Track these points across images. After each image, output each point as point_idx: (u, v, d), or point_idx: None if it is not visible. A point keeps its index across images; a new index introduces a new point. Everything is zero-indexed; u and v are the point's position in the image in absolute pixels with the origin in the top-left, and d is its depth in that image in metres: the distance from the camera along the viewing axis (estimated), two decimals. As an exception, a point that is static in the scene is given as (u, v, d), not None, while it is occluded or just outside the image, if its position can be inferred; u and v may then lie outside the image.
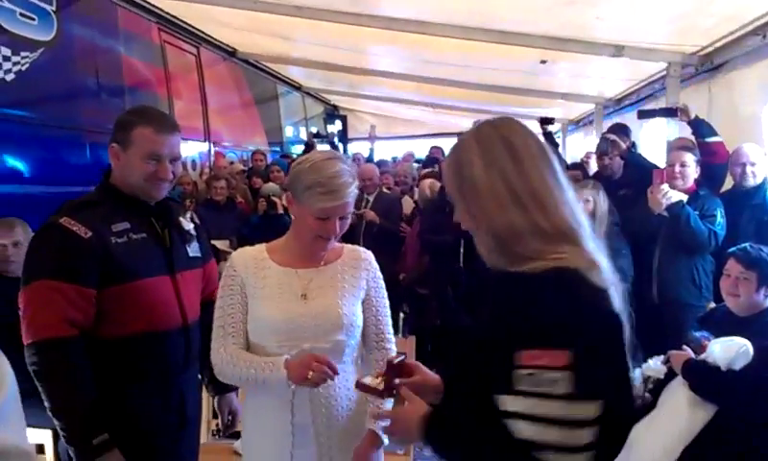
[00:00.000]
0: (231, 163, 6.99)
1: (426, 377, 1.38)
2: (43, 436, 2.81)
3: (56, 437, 2.72)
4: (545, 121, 5.79)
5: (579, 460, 1.00)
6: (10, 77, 3.87)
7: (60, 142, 4.42)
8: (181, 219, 1.94)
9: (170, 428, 1.85)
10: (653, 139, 5.52)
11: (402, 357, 1.42)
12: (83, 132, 4.60)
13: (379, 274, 1.82)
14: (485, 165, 1.11)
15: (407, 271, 4.82)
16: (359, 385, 1.47)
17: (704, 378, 2.31)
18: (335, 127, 11.94)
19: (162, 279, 1.80)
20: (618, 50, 4.72)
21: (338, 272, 1.74)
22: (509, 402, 1.01)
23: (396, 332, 1.91)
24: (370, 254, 1.83)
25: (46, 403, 1.67)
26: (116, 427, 1.70)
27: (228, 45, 7.88)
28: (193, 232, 1.97)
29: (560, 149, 7.13)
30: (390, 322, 1.83)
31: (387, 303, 1.83)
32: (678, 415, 2.34)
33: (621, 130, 4.78)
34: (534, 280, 1.04)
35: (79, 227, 1.68)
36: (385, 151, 11.41)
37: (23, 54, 3.98)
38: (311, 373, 1.52)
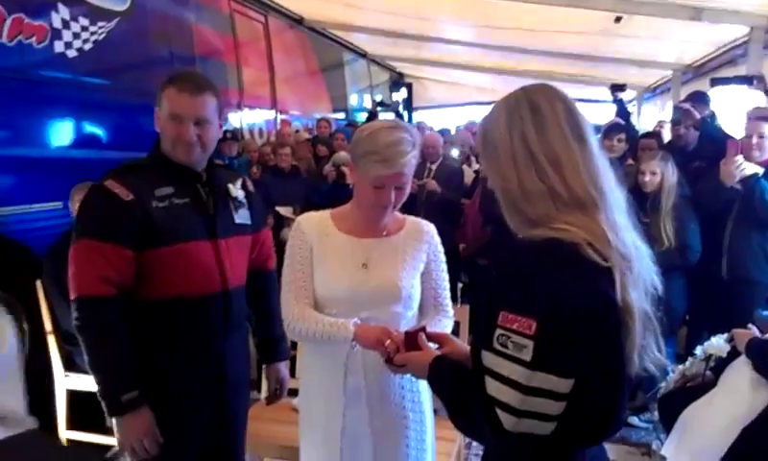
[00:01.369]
0: (297, 132, 7.09)
1: (454, 347, 1.44)
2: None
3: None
4: (616, 88, 5.57)
5: (543, 428, 1.04)
6: (88, 46, 4.05)
7: (135, 109, 4.58)
8: (230, 185, 1.93)
9: (206, 393, 1.86)
10: (733, 109, 5.22)
11: (420, 328, 1.46)
12: (155, 99, 4.76)
13: (440, 247, 1.82)
14: (507, 127, 1.12)
15: (467, 241, 4.80)
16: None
17: (768, 358, 2.23)
18: (400, 95, 11.87)
19: (202, 244, 1.80)
20: (698, 12, 4.47)
21: (399, 244, 1.75)
22: (485, 357, 1.07)
23: (454, 302, 1.92)
24: (432, 228, 1.82)
25: (84, 357, 1.72)
26: (151, 389, 1.73)
27: (294, 13, 7.95)
28: (243, 200, 1.95)
29: (632, 117, 6.81)
30: (448, 294, 1.84)
31: (446, 275, 1.84)
32: (739, 394, 2.28)
33: (699, 98, 4.55)
34: (530, 248, 1.07)
35: (121, 189, 1.71)
36: (451, 119, 11.27)
37: (100, 24, 4.15)
38: (388, 341, 1.52)
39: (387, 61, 12.03)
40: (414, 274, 1.75)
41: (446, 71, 11.65)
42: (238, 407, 2.03)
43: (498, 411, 1.03)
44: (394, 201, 1.66)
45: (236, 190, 1.95)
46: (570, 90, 1.26)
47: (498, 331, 1.03)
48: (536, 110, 1.11)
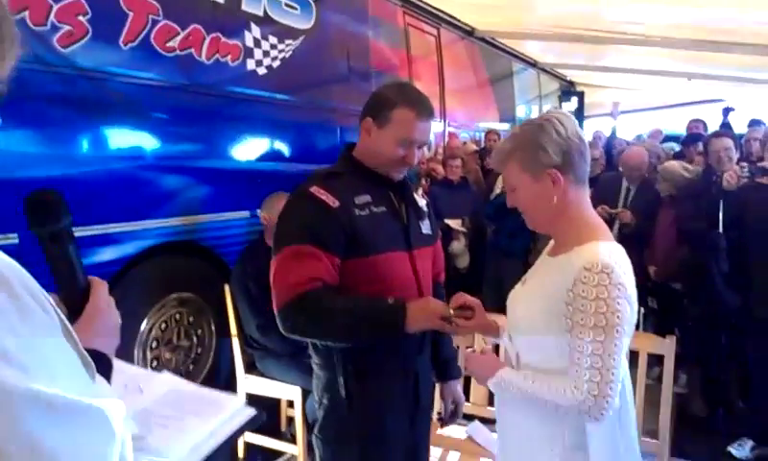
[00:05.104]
0: (464, 143, 7.00)
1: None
2: (293, 392, 3.09)
3: (305, 394, 2.96)
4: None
5: None
6: (276, 64, 4.27)
7: (316, 124, 4.77)
8: (416, 195, 1.90)
9: (406, 411, 1.81)
10: None
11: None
12: (335, 114, 4.91)
13: (584, 298, 1.35)
14: None
15: (657, 263, 4.30)
16: None
17: None
18: (571, 105, 11.29)
19: (401, 254, 1.76)
20: None
21: (549, 266, 1.52)
22: None
23: (636, 328, 1.63)
24: (587, 269, 1.36)
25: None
26: (357, 407, 1.70)
27: (466, 24, 7.86)
28: (425, 209, 1.92)
29: None
30: (592, 362, 1.35)
31: (594, 335, 1.35)
32: None
33: None
34: None
35: (327, 195, 1.67)
36: (629, 127, 10.47)
37: (287, 41, 4.36)
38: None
39: (557, 70, 11.52)
40: (535, 307, 1.48)
41: (622, 77, 10.84)
42: (425, 429, 1.97)
43: None
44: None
45: (421, 200, 1.92)
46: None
47: None
48: None
